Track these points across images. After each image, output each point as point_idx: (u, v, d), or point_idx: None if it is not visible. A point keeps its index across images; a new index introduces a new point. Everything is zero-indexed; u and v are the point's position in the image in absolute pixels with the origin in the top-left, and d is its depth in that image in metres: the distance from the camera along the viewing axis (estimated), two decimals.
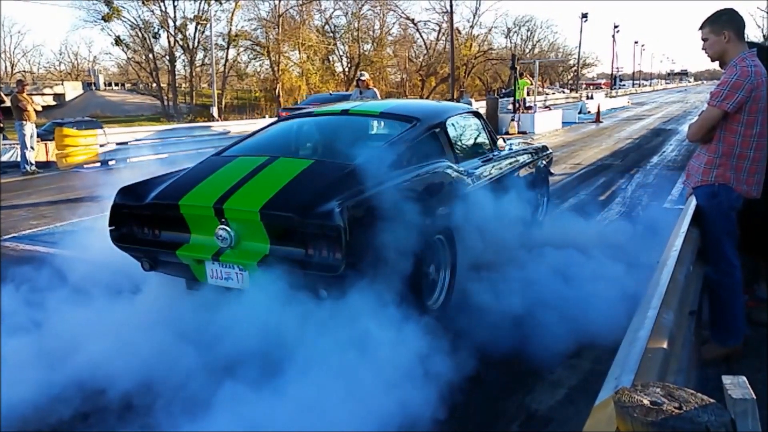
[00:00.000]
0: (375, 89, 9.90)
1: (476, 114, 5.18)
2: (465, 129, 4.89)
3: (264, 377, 2.70)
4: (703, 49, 3.16)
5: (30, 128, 11.73)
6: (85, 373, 2.89)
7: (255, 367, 2.77)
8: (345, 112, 4.70)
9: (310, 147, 4.78)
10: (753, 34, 34.19)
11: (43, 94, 41.58)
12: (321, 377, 2.64)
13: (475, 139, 4.99)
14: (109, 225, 3.61)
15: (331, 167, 3.59)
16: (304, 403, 2.50)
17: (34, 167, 11.74)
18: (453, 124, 4.55)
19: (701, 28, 3.13)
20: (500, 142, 5.25)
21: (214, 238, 3.25)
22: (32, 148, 11.84)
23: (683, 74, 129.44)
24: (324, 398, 2.52)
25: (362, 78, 9.87)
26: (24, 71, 46.23)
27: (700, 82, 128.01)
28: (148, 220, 3.55)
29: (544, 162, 6.14)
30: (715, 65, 3.23)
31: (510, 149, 5.38)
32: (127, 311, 3.46)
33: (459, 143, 4.55)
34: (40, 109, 12.62)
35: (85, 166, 11.96)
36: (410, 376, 2.68)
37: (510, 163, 5.16)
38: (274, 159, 3.75)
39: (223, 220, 3.23)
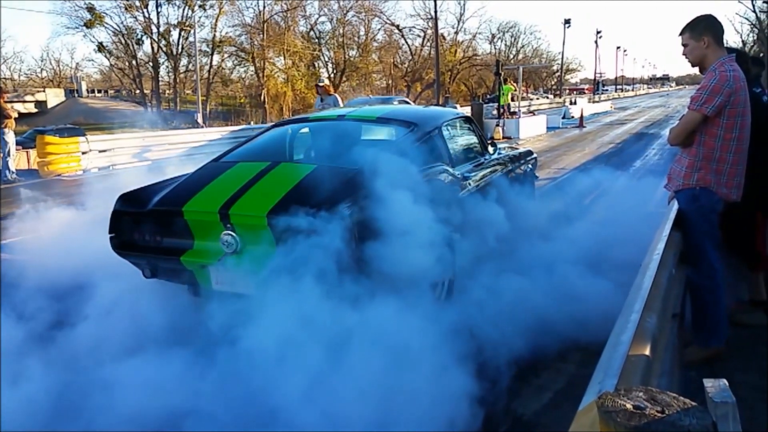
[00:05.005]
0: (336, 95, 9.51)
1: (468, 119, 5.26)
2: (459, 134, 4.97)
3: (274, 381, 2.67)
4: (683, 54, 3.21)
5: (11, 136, 11.60)
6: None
7: (266, 371, 2.73)
8: (342, 118, 4.71)
9: (310, 152, 4.79)
10: (732, 39, 34.78)
11: (25, 102, 41.05)
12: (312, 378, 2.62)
13: (468, 143, 5.07)
14: (110, 232, 3.58)
15: (335, 171, 3.59)
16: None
17: (14, 175, 11.59)
18: (448, 129, 4.61)
19: (681, 33, 3.18)
20: (489, 147, 5.32)
21: (219, 243, 3.24)
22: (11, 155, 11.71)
23: (665, 79, 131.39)
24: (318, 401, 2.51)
25: (320, 84, 9.46)
26: (4, 78, 45.68)
27: (681, 86, 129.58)
28: (150, 227, 3.52)
29: (530, 166, 6.25)
30: (696, 70, 3.28)
31: (499, 153, 5.46)
32: (125, 316, 3.44)
33: (453, 147, 4.60)
34: (16, 115, 12.46)
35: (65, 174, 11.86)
36: (405, 376, 2.66)
37: (501, 167, 5.23)
38: (276, 164, 3.76)
39: (228, 225, 3.23)
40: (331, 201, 3.13)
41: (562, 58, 55.51)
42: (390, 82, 46.61)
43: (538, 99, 47.35)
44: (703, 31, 3.08)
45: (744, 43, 36.70)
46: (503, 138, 18.31)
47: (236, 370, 2.80)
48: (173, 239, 3.46)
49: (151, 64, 39.66)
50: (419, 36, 47.68)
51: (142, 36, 38.36)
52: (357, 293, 2.96)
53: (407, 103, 18.14)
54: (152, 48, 38.85)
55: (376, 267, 3.05)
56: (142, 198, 3.60)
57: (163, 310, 3.56)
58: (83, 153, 12.48)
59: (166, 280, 3.69)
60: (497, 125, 19.23)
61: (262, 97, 37.63)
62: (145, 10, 37.23)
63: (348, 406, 2.50)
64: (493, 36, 57.52)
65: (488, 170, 4.90)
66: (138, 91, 42.00)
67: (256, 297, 3.08)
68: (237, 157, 4.19)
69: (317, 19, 43.20)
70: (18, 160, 12.20)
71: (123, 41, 38.75)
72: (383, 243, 3.06)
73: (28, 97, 43.39)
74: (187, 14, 36.64)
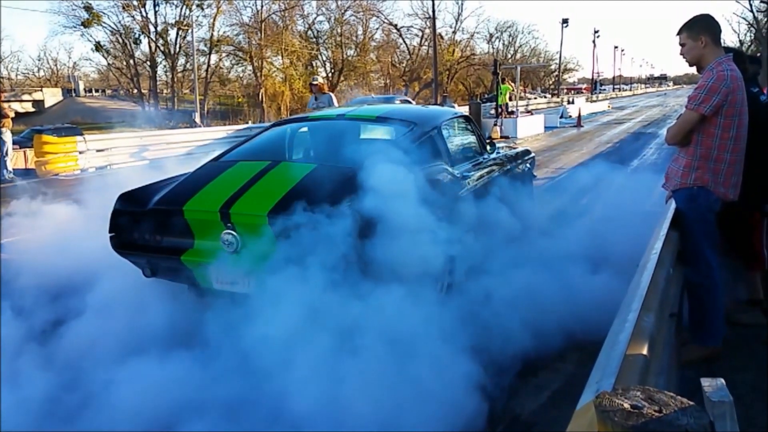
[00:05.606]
0: (331, 94, 9.40)
1: (467, 118, 5.27)
2: (457, 133, 4.98)
3: (274, 379, 2.67)
4: (681, 54, 3.21)
5: (8, 135, 11.58)
6: None
7: (271, 370, 2.72)
8: (341, 117, 4.72)
9: (310, 151, 4.80)
10: (729, 39, 34.83)
11: (22, 101, 40.96)
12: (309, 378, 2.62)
13: (467, 142, 5.08)
14: (110, 232, 3.58)
15: (335, 170, 3.59)
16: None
17: (12, 175, 11.57)
18: (447, 128, 4.62)
19: (679, 33, 3.18)
20: (488, 146, 5.34)
21: (220, 243, 3.25)
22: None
23: (663, 78, 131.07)
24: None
25: (314, 83, 9.36)
26: (1, 77, 45.48)
27: (679, 86, 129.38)
28: (150, 226, 3.52)
29: (528, 165, 6.28)
30: (694, 69, 3.28)
31: (497, 153, 5.47)
32: (125, 315, 3.43)
33: (452, 147, 4.61)
34: (13, 114, 12.44)
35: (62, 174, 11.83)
36: (400, 375, 2.65)
37: (499, 166, 5.25)
38: (276, 164, 3.77)
39: (229, 224, 3.23)
40: (332, 200, 3.14)
41: (560, 58, 55.62)
42: (388, 81, 46.57)
43: (535, 98, 47.34)
44: (700, 30, 3.08)
45: (741, 42, 36.80)
46: (501, 137, 18.31)
47: (236, 369, 2.79)
48: (173, 238, 3.46)
49: (148, 63, 39.63)
50: (417, 35, 47.75)
51: (139, 35, 38.39)
52: (357, 292, 2.95)
53: (409, 102, 18.13)
54: (150, 47, 38.86)
55: (376, 265, 3.05)
56: (142, 197, 3.60)
57: (162, 310, 3.55)
58: (80, 152, 12.45)
59: (167, 280, 3.69)
60: (495, 124, 19.23)
61: (260, 97, 37.58)
62: (142, 10, 37.23)
63: (345, 402, 2.50)
64: (491, 35, 57.60)
65: (487, 169, 4.92)
66: (135, 91, 41.91)
67: (257, 296, 3.07)
68: (237, 157, 4.20)
69: (315, 18, 43.21)
70: (15, 159, 12.18)
71: (120, 40, 38.74)
72: (383, 242, 3.07)
73: (26, 97, 43.31)
74: (185, 13, 36.61)
